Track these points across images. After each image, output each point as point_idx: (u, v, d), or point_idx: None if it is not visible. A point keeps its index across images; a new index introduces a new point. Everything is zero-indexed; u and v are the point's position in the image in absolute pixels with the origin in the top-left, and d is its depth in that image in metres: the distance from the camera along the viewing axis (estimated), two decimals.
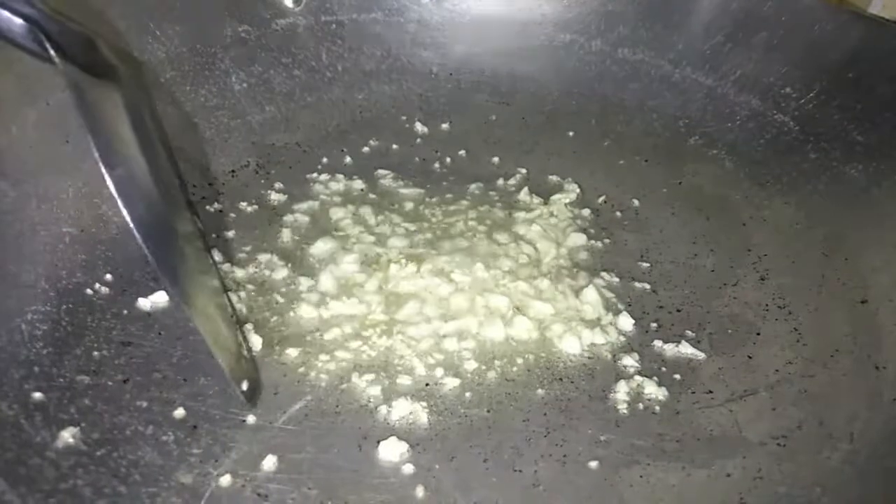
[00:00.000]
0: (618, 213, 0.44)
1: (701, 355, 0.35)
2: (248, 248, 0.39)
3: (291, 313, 0.35)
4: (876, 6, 0.50)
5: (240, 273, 0.37)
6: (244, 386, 0.30)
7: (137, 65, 0.43)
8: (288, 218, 0.41)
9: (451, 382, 0.33)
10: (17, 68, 0.38)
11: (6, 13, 0.24)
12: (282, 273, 0.38)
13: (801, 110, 0.45)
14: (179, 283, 0.26)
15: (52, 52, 0.24)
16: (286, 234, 0.40)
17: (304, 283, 0.37)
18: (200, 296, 0.28)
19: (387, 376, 0.32)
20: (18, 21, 0.24)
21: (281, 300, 0.36)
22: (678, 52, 0.50)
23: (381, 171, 0.46)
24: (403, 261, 0.38)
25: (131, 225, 0.24)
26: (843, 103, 0.44)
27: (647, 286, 0.39)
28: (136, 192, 0.24)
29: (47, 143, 0.38)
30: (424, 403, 0.31)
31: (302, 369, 0.32)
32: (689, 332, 0.36)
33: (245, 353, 0.32)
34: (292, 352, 0.33)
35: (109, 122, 0.25)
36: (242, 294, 0.36)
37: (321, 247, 0.39)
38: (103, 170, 0.24)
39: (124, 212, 0.24)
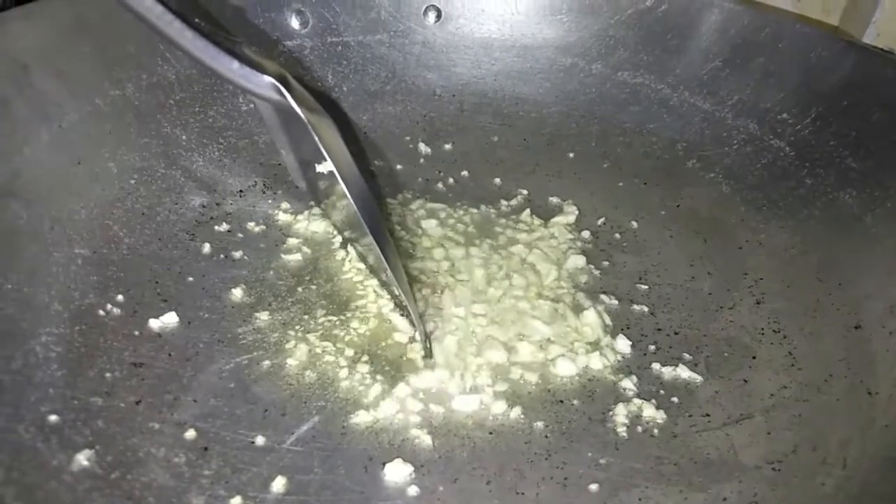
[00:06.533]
0: (617, 235, 0.45)
1: (698, 378, 0.36)
2: (255, 269, 0.40)
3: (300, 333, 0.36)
4: (870, 35, 0.51)
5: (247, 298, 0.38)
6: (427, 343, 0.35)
7: None
8: (293, 240, 0.42)
9: (455, 405, 0.33)
10: (30, 92, 0.39)
11: (261, 75, 0.30)
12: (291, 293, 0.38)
13: (796, 136, 0.46)
14: (387, 245, 0.33)
15: (292, 101, 0.31)
16: (293, 256, 0.41)
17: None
18: (395, 255, 0.34)
19: (392, 398, 0.33)
20: (268, 80, 0.30)
21: (291, 320, 0.37)
22: (677, 77, 0.51)
23: (385, 192, 0.47)
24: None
25: (354, 205, 0.32)
26: (838, 130, 0.45)
27: (646, 308, 0.40)
28: (356, 183, 0.32)
29: (60, 165, 0.39)
30: (429, 426, 0.32)
31: (308, 391, 0.33)
32: (686, 355, 0.37)
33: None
34: (302, 370, 0.34)
35: (333, 142, 0.32)
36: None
37: (326, 265, 0.40)
38: (337, 175, 0.32)
39: (350, 199, 0.32)
